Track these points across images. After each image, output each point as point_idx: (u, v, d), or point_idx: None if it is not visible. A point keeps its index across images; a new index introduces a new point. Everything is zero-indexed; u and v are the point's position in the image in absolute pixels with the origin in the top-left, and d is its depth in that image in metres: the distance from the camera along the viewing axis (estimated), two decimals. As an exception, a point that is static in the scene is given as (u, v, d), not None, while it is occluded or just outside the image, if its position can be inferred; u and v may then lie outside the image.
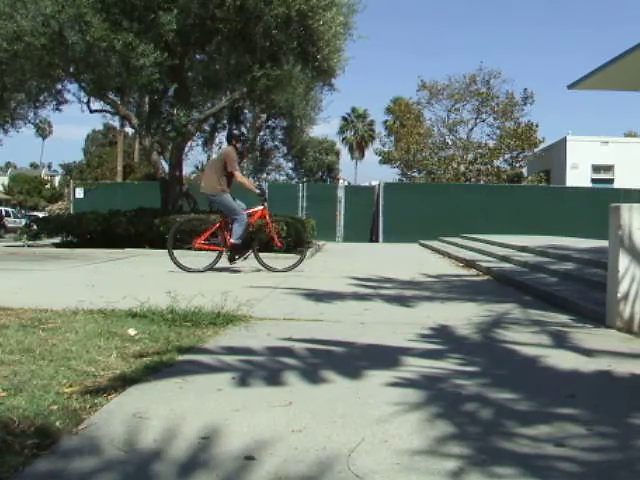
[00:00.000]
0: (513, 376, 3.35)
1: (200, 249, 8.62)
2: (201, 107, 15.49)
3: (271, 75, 12.31)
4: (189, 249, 8.72)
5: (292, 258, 8.96)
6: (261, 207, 8.79)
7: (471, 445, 2.26)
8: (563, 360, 3.69)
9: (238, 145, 9.16)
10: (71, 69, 12.70)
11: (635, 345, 4.23)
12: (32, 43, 10.92)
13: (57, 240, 13.83)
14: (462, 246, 14.19)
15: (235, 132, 9.61)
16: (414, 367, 3.41)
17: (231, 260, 8.58)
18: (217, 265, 8.44)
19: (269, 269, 8.53)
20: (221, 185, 8.43)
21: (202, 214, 13.51)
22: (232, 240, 8.39)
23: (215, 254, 8.51)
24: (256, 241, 8.95)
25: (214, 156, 19.45)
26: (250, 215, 8.65)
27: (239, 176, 8.68)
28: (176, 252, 8.52)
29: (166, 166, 14.91)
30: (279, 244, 8.92)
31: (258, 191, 8.92)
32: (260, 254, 8.87)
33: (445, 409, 2.69)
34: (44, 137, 69.94)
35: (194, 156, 20.43)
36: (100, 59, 11.25)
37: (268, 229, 9.01)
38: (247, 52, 12.44)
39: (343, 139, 60.28)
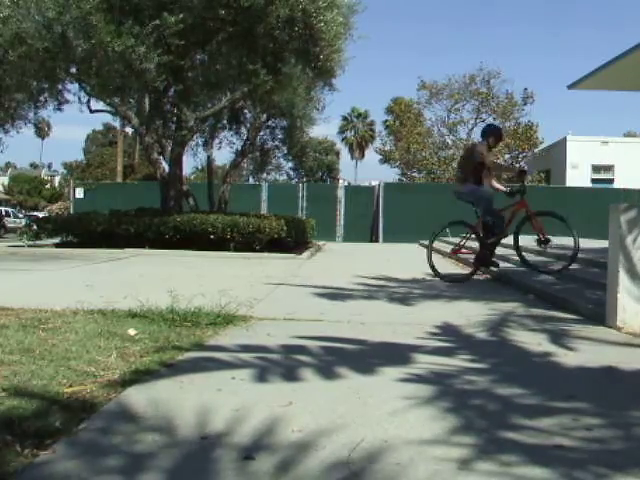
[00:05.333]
0: (520, 373, 3.37)
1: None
2: (201, 107, 15.48)
3: (274, 76, 12.32)
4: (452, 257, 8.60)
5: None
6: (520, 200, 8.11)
7: (480, 436, 2.29)
8: (566, 358, 3.70)
9: (491, 142, 8.06)
10: (73, 70, 12.70)
11: (635, 344, 4.23)
12: (34, 46, 10.92)
13: (57, 240, 13.84)
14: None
15: (491, 125, 8.67)
16: (424, 364, 3.44)
17: (486, 265, 8.24)
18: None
19: (534, 268, 7.96)
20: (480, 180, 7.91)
21: (202, 214, 13.54)
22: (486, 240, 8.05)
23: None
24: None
25: (213, 156, 19.45)
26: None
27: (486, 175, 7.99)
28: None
29: (166, 166, 14.91)
30: (543, 236, 8.20)
31: (503, 189, 8.19)
32: (263, 253, 9.02)
33: (455, 403, 2.73)
34: (43, 137, 70.01)
35: (195, 156, 20.43)
36: (103, 61, 11.24)
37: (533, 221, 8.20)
38: (249, 52, 12.44)
39: (343, 139, 60.33)
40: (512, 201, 8.16)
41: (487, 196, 8.03)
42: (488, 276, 8.74)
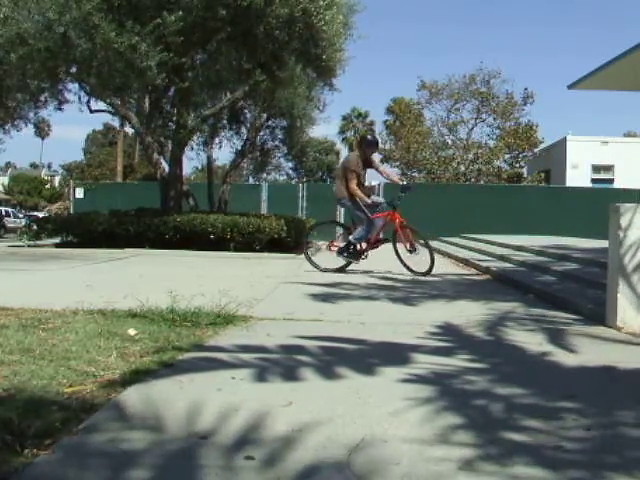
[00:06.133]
0: (519, 373, 3.37)
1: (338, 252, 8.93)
2: (201, 107, 15.48)
3: (274, 76, 12.32)
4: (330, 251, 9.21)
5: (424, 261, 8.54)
6: (390, 210, 8.95)
7: (480, 436, 2.29)
8: (566, 358, 3.71)
9: (367, 151, 8.84)
10: (73, 70, 12.70)
11: (635, 344, 4.23)
12: (35, 46, 10.92)
13: (57, 240, 13.83)
14: (462, 246, 14.19)
15: (369, 137, 9.39)
16: (424, 364, 3.44)
17: (339, 253, 8.85)
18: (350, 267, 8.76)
19: (412, 272, 8.49)
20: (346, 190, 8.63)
21: (202, 214, 13.53)
22: (351, 237, 8.77)
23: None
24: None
25: (213, 156, 19.45)
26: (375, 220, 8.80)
27: (354, 188, 8.60)
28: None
29: (166, 166, 14.90)
30: (410, 247, 8.76)
31: (369, 202, 8.74)
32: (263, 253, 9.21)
33: (455, 403, 2.73)
34: (43, 137, 70.03)
35: (196, 156, 20.49)
36: (104, 61, 11.24)
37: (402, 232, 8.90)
38: (249, 52, 12.45)
39: (343, 139, 60.27)
40: (385, 210, 8.97)
41: (358, 206, 8.69)
42: (489, 276, 8.74)
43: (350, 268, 8.88)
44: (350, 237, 8.77)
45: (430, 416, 2.58)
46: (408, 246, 8.67)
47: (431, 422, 2.50)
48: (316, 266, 8.81)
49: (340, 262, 8.81)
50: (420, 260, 8.53)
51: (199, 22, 11.75)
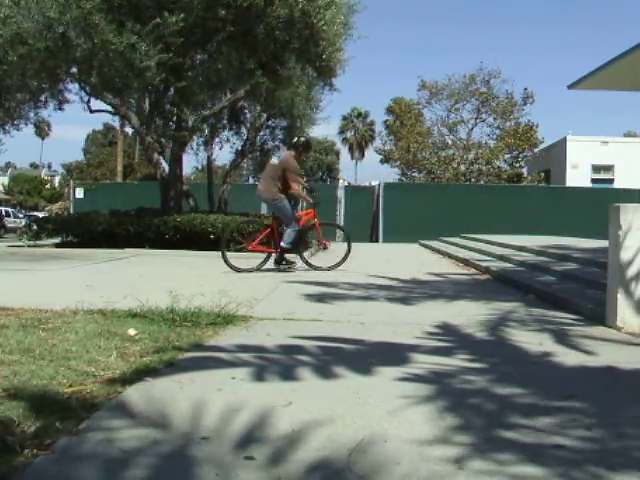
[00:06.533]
0: (519, 372, 3.37)
1: (254, 251, 8.90)
2: (202, 107, 15.48)
3: (275, 76, 12.32)
4: (239, 251, 9.17)
5: (337, 257, 9.17)
6: (311, 209, 9.21)
7: (480, 435, 2.29)
8: (566, 358, 3.71)
9: (303, 154, 9.23)
10: (73, 70, 12.70)
11: (635, 344, 4.23)
12: (35, 46, 10.92)
13: (57, 240, 13.83)
14: (462, 246, 14.19)
15: (302, 139, 9.55)
16: (423, 364, 3.44)
17: (277, 263, 8.77)
18: (265, 266, 8.67)
19: (315, 268, 8.85)
20: (277, 190, 8.68)
21: (202, 214, 13.53)
22: (282, 244, 8.67)
23: (264, 255, 8.81)
24: (302, 243, 9.21)
25: (213, 156, 19.40)
26: (300, 218, 9.01)
27: (295, 186, 8.84)
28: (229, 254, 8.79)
29: (166, 166, 14.90)
30: (325, 246, 9.37)
31: (311, 201, 9.22)
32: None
33: (455, 403, 2.74)
34: (43, 137, 70.02)
35: (196, 156, 20.48)
36: (104, 61, 11.24)
37: (318, 230, 9.35)
38: (249, 52, 12.45)
39: (343, 139, 60.35)
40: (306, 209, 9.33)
41: (285, 208, 8.85)
42: (489, 276, 8.75)
43: (349, 268, 8.88)
44: (282, 244, 8.67)
45: (430, 416, 2.58)
46: (319, 244, 9.20)
47: (431, 422, 2.50)
48: (233, 267, 8.41)
49: (257, 261, 8.62)
50: (333, 257, 9.07)
51: (199, 22, 11.75)
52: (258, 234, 9.01)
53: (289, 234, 8.71)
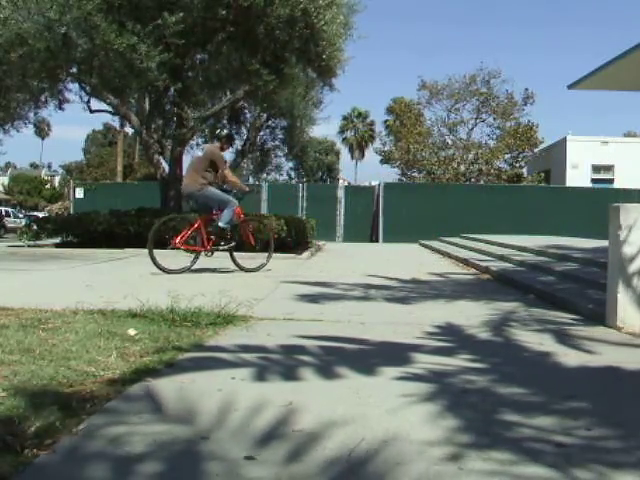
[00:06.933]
0: (520, 372, 3.38)
1: (179, 248, 8.45)
2: (201, 107, 15.49)
3: (275, 76, 12.32)
4: (172, 249, 8.52)
5: (261, 257, 8.92)
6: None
7: (480, 435, 2.29)
8: (567, 358, 3.71)
9: (225, 146, 9.15)
10: (73, 70, 12.71)
11: (635, 344, 4.23)
12: (35, 46, 10.92)
13: (57, 240, 13.83)
14: (462, 246, 14.19)
15: (224, 132, 9.62)
16: (424, 364, 3.44)
17: (214, 246, 8.51)
18: (195, 266, 8.29)
19: (242, 269, 8.50)
20: (205, 180, 8.42)
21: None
22: (220, 224, 8.40)
23: (193, 254, 8.44)
24: (233, 239, 8.79)
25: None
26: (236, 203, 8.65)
27: (230, 174, 8.76)
28: (157, 252, 8.27)
29: (166, 166, 14.91)
30: (253, 242, 9.04)
31: (247, 189, 9.10)
32: (262, 253, 9.00)
33: (455, 403, 2.74)
34: (43, 137, 70.02)
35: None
36: (104, 61, 11.24)
37: (242, 227, 8.97)
38: (250, 52, 12.45)
39: (343, 139, 60.32)
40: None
41: (214, 193, 8.58)
42: (489, 276, 8.75)
43: (350, 268, 8.88)
44: (220, 224, 8.39)
45: (431, 416, 2.57)
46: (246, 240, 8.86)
47: (431, 422, 2.50)
48: (162, 268, 8.01)
49: (186, 262, 8.26)
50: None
51: (199, 22, 11.76)
52: (185, 231, 8.51)
53: (226, 214, 8.43)
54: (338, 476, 2.00)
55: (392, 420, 2.51)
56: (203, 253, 8.54)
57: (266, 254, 9.10)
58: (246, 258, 8.80)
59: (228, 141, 9.55)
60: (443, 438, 2.32)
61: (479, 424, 2.49)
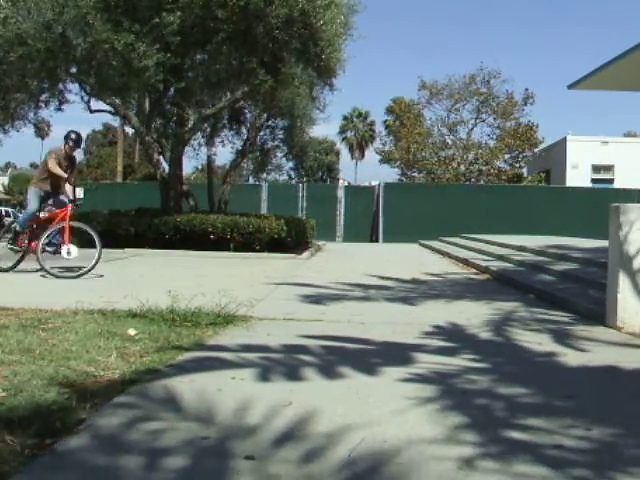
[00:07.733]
0: (520, 372, 3.38)
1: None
2: (201, 107, 15.47)
3: (276, 76, 12.31)
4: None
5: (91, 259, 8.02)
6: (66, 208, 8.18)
7: (481, 435, 2.29)
8: (567, 358, 3.71)
9: (67, 147, 8.26)
10: (73, 70, 12.70)
11: (635, 344, 4.23)
12: (35, 46, 10.91)
13: (57, 240, 13.81)
14: (462, 246, 14.19)
15: (72, 134, 8.66)
16: (424, 363, 3.45)
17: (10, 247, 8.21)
18: (21, 265, 8.01)
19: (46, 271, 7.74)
20: (38, 182, 8.20)
21: (202, 214, 13.53)
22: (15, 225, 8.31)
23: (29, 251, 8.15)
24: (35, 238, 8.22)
25: (214, 156, 19.36)
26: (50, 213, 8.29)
27: (51, 166, 8.04)
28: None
29: (166, 166, 14.90)
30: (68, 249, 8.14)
31: (70, 197, 8.30)
32: (260, 253, 8.94)
33: (456, 402, 2.74)
34: (43, 137, 69.96)
35: (196, 156, 20.55)
36: (102, 60, 11.23)
37: (66, 233, 8.23)
38: (249, 52, 12.44)
39: (343, 139, 60.27)
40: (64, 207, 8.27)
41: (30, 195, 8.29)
42: (489, 276, 8.75)
43: (350, 268, 8.88)
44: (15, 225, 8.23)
45: (431, 415, 2.57)
46: (65, 246, 8.08)
47: (432, 421, 2.50)
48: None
49: (12, 261, 8.01)
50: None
51: (198, 22, 11.74)
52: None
53: (21, 216, 8.47)
54: (338, 475, 1.99)
55: (393, 420, 2.51)
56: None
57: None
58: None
59: (76, 143, 8.46)
60: (444, 438, 2.32)
61: (480, 423, 2.49)
